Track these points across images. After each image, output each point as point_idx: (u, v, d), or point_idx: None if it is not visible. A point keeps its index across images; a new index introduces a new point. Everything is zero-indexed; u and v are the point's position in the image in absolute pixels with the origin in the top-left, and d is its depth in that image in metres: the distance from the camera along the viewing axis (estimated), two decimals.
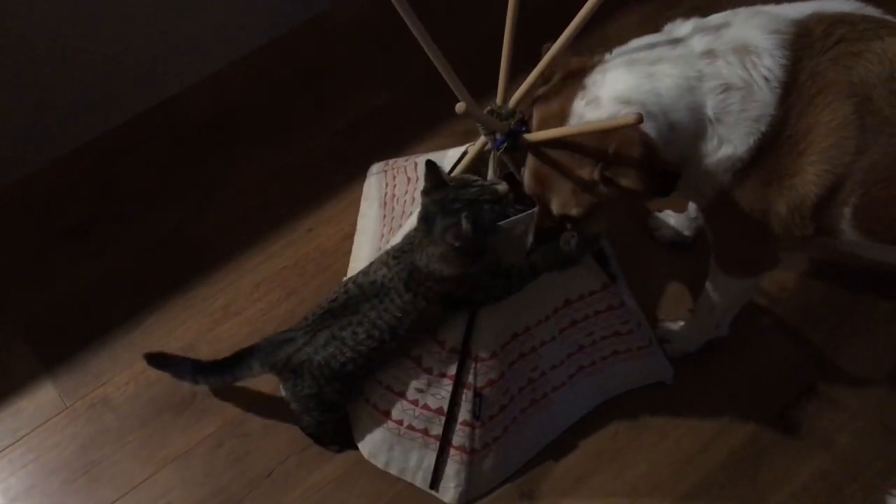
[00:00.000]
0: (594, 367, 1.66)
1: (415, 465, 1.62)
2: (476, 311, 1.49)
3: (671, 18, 1.35)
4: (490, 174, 1.46)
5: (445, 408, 1.55)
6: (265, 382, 1.74)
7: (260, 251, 1.93)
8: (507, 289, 1.46)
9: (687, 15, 1.33)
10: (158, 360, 1.67)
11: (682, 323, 1.76)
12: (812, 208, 1.27)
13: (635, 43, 1.31)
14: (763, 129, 1.23)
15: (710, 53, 1.24)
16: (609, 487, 1.64)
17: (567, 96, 1.28)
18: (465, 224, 1.32)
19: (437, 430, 1.58)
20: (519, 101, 1.38)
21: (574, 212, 1.33)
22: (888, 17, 1.28)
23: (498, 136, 1.37)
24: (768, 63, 1.22)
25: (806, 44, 1.22)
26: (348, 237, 1.92)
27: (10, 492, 1.67)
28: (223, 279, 1.89)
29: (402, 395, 1.57)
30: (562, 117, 1.28)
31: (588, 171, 1.27)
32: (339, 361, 1.50)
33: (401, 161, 1.87)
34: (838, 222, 1.29)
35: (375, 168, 1.95)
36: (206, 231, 1.95)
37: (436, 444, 1.59)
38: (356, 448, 1.67)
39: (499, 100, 1.38)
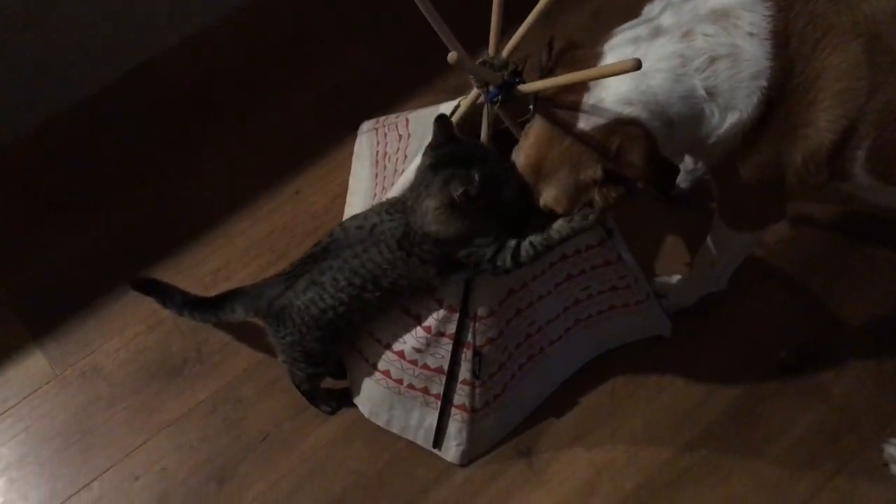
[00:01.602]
0: (590, 320, 1.65)
1: (416, 423, 1.62)
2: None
3: None
4: (483, 129, 1.43)
5: (445, 367, 1.54)
6: (258, 347, 1.73)
7: (248, 215, 1.90)
8: (517, 260, 1.39)
9: None
10: (147, 285, 1.66)
11: (679, 277, 1.74)
12: (827, 155, 1.25)
13: (620, 37, 1.28)
14: (764, 83, 1.21)
15: (686, 34, 1.22)
16: (606, 443, 1.64)
17: (577, 94, 1.26)
18: (474, 176, 1.29)
19: (438, 388, 1.57)
20: (512, 52, 1.35)
21: (562, 210, 1.32)
22: None
23: (491, 88, 1.34)
24: (749, 19, 1.20)
25: None
26: (337, 198, 1.90)
27: (1, 461, 1.66)
28: (212, 244, 1.87)
29: (401, 355, 1.56)
30: (570, 121, 1.26)
31: (592, 172, 1.26)
32: (318, 308, 1.46)
33: (392, 118, 1.84)
34: (852, 167, 1.27)
35: (366, 126, 1.92)
36: (192, 197, 1.92)
37: (436, 403, 1.58)
38: (351, 407, 1.66)
39: (491, 50, 1.34)
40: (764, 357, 1.70)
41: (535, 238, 1.36)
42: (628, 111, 1.22)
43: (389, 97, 2.01)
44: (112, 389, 1.72)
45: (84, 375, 1.73)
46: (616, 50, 1.26)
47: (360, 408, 1.65)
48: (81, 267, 1.84)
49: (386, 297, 1.47)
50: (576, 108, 1.25)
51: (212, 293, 1.77)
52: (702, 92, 1.22)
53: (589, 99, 1.24)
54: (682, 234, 1.83)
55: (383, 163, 1.76)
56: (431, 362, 1.55)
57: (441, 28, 1.27)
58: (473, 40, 1.32)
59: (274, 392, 1.71)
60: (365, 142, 1.89)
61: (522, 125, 1.43)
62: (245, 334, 1.76)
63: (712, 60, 1.21)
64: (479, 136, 1.43)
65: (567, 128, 1.27)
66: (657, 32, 1.25)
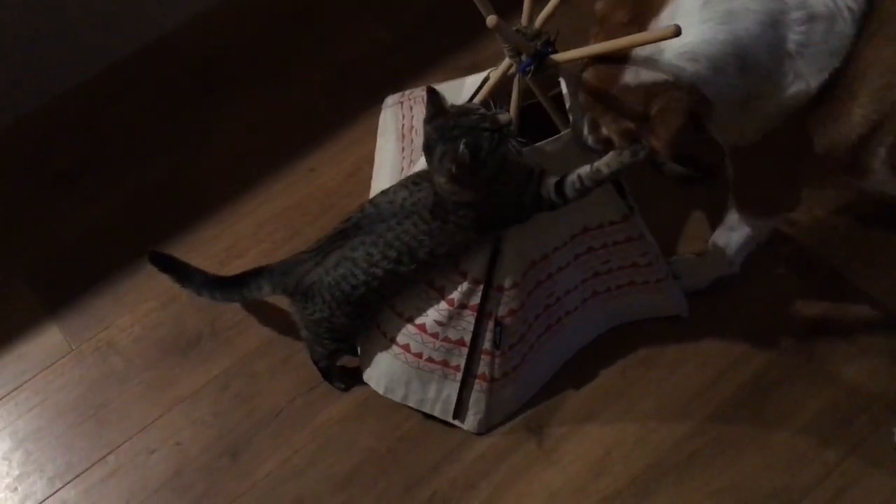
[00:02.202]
0: (609, 293, 1.66)
1: (433, 395, 1.62)
2: (500, 241, 1.46)
3: None
4: (513, 100, 1.42)
5: (467, 339, 1.55)
6: (272, 323, 1.74)
7: (261, 192, 1.90)
8: (563, 197, 1.40)
9: None
10: (164, 261, 1.65)
11: (692, 258, 1.74)
12: (849, 148, 1.21)
13: None
14: (837, 64, 1.15)
15: None
16: (617, 423, 1.64)
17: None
18: (462, 150, 1.29)
19: (457, 360, 1.57)
20: (545, 22, 1.34)
21: (618, 141, 1.30)
22: None
23: (524, 57, 1.33)
24: None
25: None
26: (351, 176, 1.90)
27: (18, 434, 1.68)
28: (225, 220, 1.87)
29: (422, 328, 1.56)
30: (617, 72, 1.20)
31: (630, 125, 1.24)
32: (349, 283, 1.47)
33: (417, 91, 1.83)
34: (872, 162, 1.23)
35: (390, 100, 1.91)
36: (205, 173, 1.92)
37: (455, 375, 1.59)
38: (363, 385, 1.67)
39: (524, 20, 1.35)
40: (774, 339, 1.70)
41: (584, 171, 1.36)
42: (689, 70, 1.14)
43: (401, 73, 2.01)
44: (126, 364, 1.73)
45: (99, 350, 1.74)
46: None
47: (374, 385, 1.66)
48: (95, 242, 1.85)
49: (421, 269, 1.48)
50: (625, 58, 1.18)
51: (225, 270, 1.79)
52: (791, 46, 1.15)
53: (644, 49, 1.17)
54: (694, 216, 1.83)
55: (410, 136, 1.76)
56: (452, 334, 1.55)
57: None
58: (504, 11, 1.30)
59: (287, 368, 1.72)
60: (390, 116, 1.88)
61: (553, 99, 1.43)
62: (258, 310, 1.77)
63: (811, 18, 1.14)
64: (508, 108, 1.42)
65: (612, 80, 1.21)
66: None
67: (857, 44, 1.14)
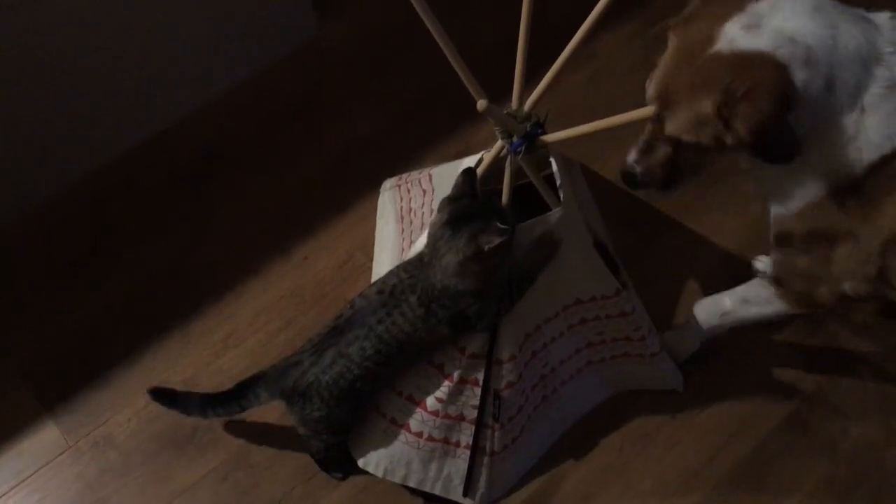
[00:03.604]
0: (603, 363, 1.68)
1: (434, 474, 1.62)
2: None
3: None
4: (506, 180, 1.47)
5: (466, 414, 1.55)
6: (268, 412, 1.74)
7: (257, 281, 1.93)
8: (511, 300, 1.46)
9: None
10: (165, 397, 1.66)
11: (681, 326, 1.75)
12: (878, 255, 1.17)
13: None
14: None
15: None
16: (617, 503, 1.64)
17: (719, 18, 1.13)
18: (501, 228, 1.33)
19: (457, 436, 1.58)
20: (534, 105, 1.40)
21: (686, 138, 1.20)
22: None
23: (515, 139, 1.38)
24: None
25: None
26: (344, 263, 1.93)
27: None
28: (222, 311, 1.89)
29: (423, 406, 1.57)
30: (707, 41, 1.13)
31: (708, 105, 1.13)
32: (347, 380, 1.47)
33: (414, 174, 1.88)
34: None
35: (388, 184, 1.96)
36: (203, 264, 1.95)
37: (454, 451, 1.59)
38: (360, 474, 1.67)
39: (514, 103, 1.40)
40: (770, 413, 1.70)
41: (517, 269, 1.44)
42: (785, 50, 1.08)
43: (392, 162, 2.05)
44: (124, 459, 1.73)
45: (97, 445, 1.74)
46: None
47: (373, 469, 1.64)
48: (92, 336, 1.86)
49: (412, 359, 1.51)
50: (720, 27, 1.11)
51: (221, 361, 1.81)
52: (865, 97, 1.11)
53: (742, 19, 1.11)
54: (694, 288, 1.86)
55: (409, 218, 1.80)
56: (452, 410, 1.56)
57: (468, 78, 1.33)
58: (491, 92, 1.35)
59: (284, 458, 1.71)
60: (388, 199, 1.92)
61: (545, 178, 1.48)
62: None
63: (893, 85, 1.10)
64: (501, 187, 1.48)
65: (703, 46, 1.13)
66: (869, 22, 1.13)
67: None
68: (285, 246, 1.97)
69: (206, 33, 2.05)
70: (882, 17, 1.17)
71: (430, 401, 1.56)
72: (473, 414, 1.55)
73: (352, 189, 2.02)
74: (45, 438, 1.76)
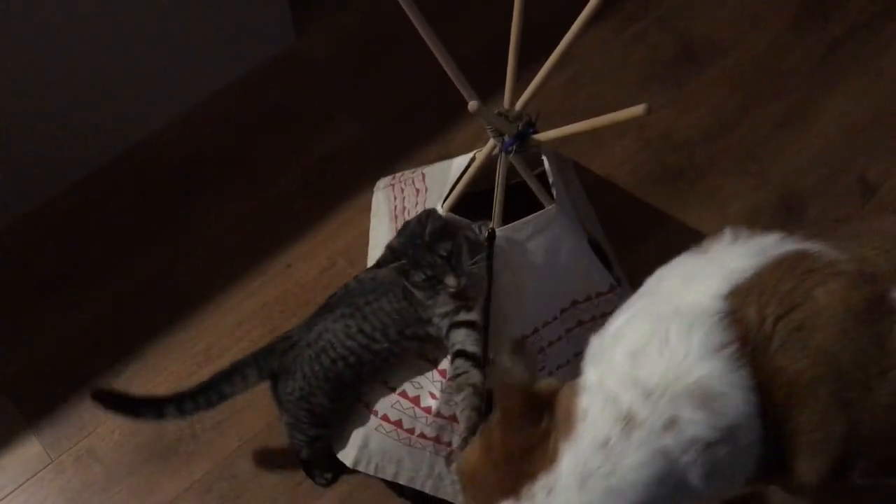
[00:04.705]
0: None
1: (426, 472, 1.61)
2: (488, 318, 1.50)
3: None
4: (498, 179, 1.47)
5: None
6: (252, 422, 1.73)
7: (239, 290, 1.92)
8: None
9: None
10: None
11: None
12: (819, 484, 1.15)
13: (583, 448, 1.08)
14: (759, 451, 1.11)
15: (670, 423, 1.07)
16: None
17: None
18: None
19: (449, 437, 1.57)
20: (526, 104, 1.40)
21: None
22: (798, 248, 1.15)
23: (506, 138, 1.38)
24: (734, 398, 1.07)
25: (749, 341, 1.08)
26: (326, 270, 1.92)
27: None
28: (203, 321, 1.88)
29: (415, 401, 1.56)
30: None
31: None
32: (329, 357, 1.49)
33: (407, 173, 1.88)
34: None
35: (382, 183, 1.96)
36: (183, 275, 1.94)
37: (446, 450, 1.58)
38: (347, 475, 1.67)
39: (506, 103, 1.41)
40: None
41: (458, 365, 1.46)
42: None
43: (373, 168, 2.04)
44: (107, 473, 1.72)
45: (80, 459, 1.73)
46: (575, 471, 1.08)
47: (364, 466, 1.62)
48: (72, 349, 1.85)
49: (393, 350, 1.51)
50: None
51: (205, 371, 1.80)
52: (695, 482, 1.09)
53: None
54: None
55: (403, 217, 1.79)
56: (445, 410, 1.55)
57: (458, 78, 1.33)
58: (481, 92, 1.35)
59: (269, 467, 1.71)
60: (382, 198, 1.93)
61: (537, 177, 1.51)
62: (239, 410, 1.76)
63: (707, 446, 1.08)
64: (493, 186, 1.49)
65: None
66: (630, 426, 1.09)
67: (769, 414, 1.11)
68: (266, 254, 1.96)
69: (183, 42, 2.04)
70: (624, 400, 1.10)
71: (424, 396, 1.55)
72: None
73: (332, 196, 2.02)
74: (27, 453, 1.74)
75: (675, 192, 2.01)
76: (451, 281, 1.41)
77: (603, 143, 2.07)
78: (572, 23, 1.29)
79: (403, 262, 1.46)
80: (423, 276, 1.43)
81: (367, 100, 2.18)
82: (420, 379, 1.56)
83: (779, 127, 2.10)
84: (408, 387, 1.57)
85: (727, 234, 1.22)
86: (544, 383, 1.18)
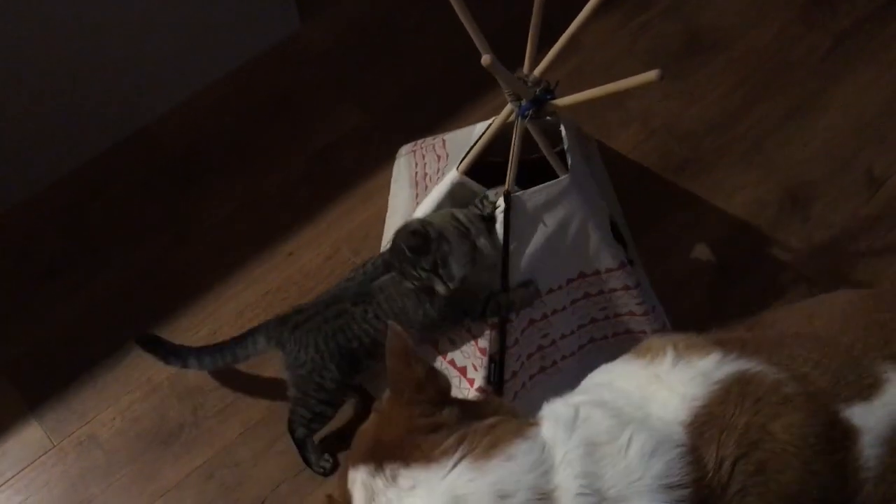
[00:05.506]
0: (606, 341, 1.67)
1: None
2: (507, 282, 1.51)
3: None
4: (514, 143, 1.46)
5: (469, 371, 1.56)
6: (254, 409, 1.73)
7: (241, 278, 1.92)
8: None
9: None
10: (150, 342, 1.68)
11: None
12: None
13: None
14: None
15: None
16: None
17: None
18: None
19: (454, 390, 1.57)
20: (545, 71, 1.39)
21: None
22: (739, 369, 1.11)
23: (524, 102, 1.37)
24: None
25: (704, 486, 1.03)
26: (329, 258, 1.92)
27: None
28: (206, 308, 1.88)
29: (434, 345, 1.59)
30: None
31: None
32: (346, 336, 1.53)
33: (429, 140, 1.87)
34: None
35: (404, 150, 1.96)
36: (186, 261, 1.94)
37: None
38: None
39: (525, 68, 1.41)
40: None
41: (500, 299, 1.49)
42: None
43: (376, 155, 2.04)
44: (109, 458, 1.72)
45: (81, 445, 1.73)
46: None
47: None
48: (75, 335, 1.85)
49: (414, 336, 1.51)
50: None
51: None
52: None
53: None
54: (700, 271, 1.86)
55: (424, 183, 1.79)
56: (458, 360, 1.57)
57: (475, 32, 1.32)
58: (502, 59, 1.33)
59: (271, 455, 1.71)
60: (403, 164, 1.93)
61: (559, 155, 1.51)
62: (241, 396, 1.76)
63: None
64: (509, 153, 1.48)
65: None
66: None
67: None
68: (269, 242, 1.96)
69: (186, 29, 2.03)
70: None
71: (443, 341, 1.58)
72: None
73: (336, 183, 2.01)
74: (28, 438, 1.74)
75: (679, 183, 2.00)
76: (440, 288, 1.44)
77: (608, 133, 2.06)
78: None
79: (393, 274, 1.51)
80: (413, 287, 1.47)
81: (371, 87, 2.17)
82: (466, 348, 1.57)
83: (785, 119, 2.09)
84: (457, 356, 1.58)
85: (668, 353, 1.15)
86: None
